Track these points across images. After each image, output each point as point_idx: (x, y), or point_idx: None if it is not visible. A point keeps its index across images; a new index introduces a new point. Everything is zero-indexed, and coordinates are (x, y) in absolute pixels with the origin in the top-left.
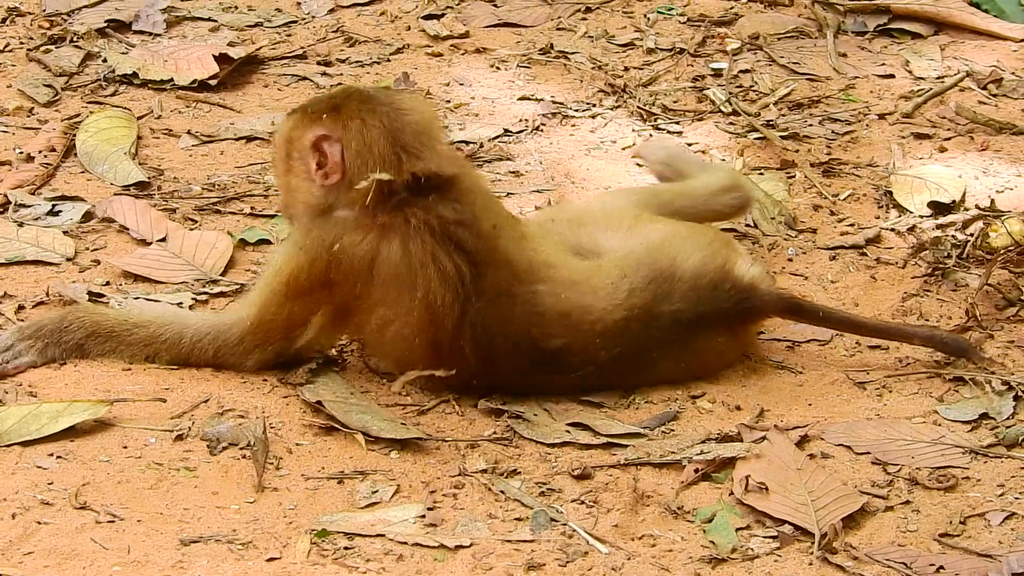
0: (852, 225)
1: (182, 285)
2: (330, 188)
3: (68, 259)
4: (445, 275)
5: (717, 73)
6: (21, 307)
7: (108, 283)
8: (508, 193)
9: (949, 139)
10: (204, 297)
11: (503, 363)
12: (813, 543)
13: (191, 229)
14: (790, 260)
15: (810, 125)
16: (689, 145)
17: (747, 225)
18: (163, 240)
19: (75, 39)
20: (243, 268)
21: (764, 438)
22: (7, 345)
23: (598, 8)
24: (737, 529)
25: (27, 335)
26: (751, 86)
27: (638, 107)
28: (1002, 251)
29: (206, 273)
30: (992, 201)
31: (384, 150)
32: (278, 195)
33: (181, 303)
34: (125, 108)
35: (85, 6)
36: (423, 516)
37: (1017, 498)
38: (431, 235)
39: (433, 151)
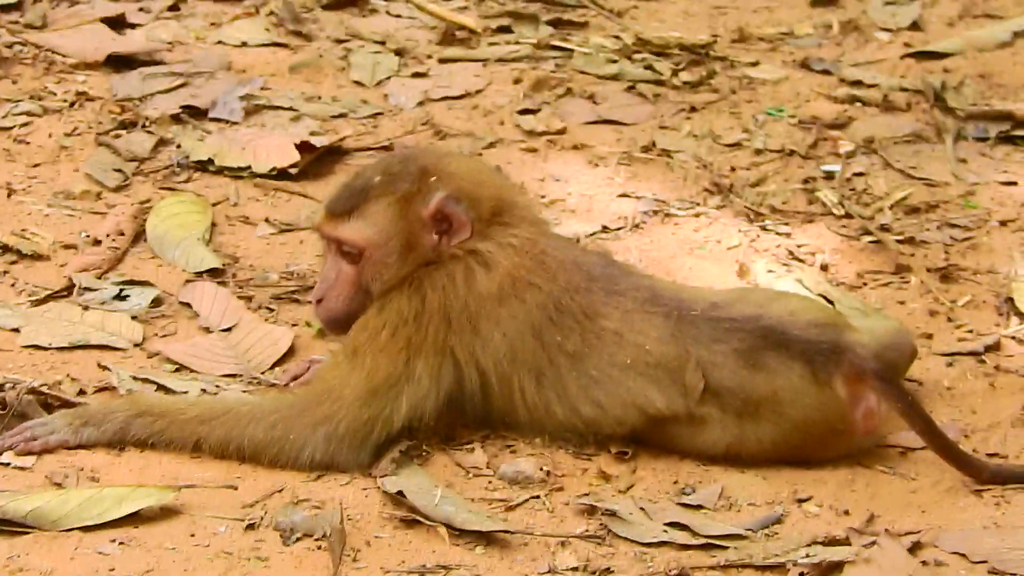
0: (970, 332)
1: (222, 379)
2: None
3: (135, 344)
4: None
5: (829, 176)
6: (82, 391)
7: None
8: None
9: None
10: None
11: None
12: None
13: (267, 320)
14: None
15: (927, 230)
16: (799, 247)
17: None
18: (229, 330)
19: (147, 124)
20: (301, 360)
21: (874, 543)
22: (45, 422)
23: (703, 108)
24: None
25: (69, 415)
26: (865, 189)
27: (745, 207)
28: None
29: (248, 369)
30: None
31: (491, 187)
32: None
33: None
34: (198, 195)
35: (159, 92)
36: None
37: None
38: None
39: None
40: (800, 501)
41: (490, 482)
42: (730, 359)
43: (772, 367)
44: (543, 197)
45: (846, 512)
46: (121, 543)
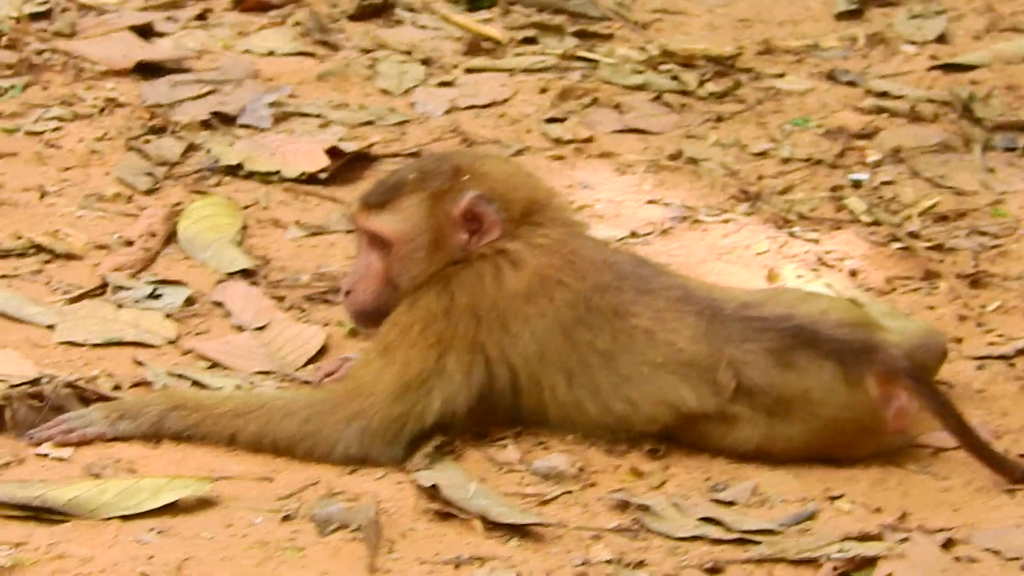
0: (1000, 336)
1: (256, 376)
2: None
3: (169, 342)
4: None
5: (856, 184)
6: (117, 387)
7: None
8: None
9: None
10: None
11: None
12: None
13: (298, 320)
14: None
15: (956, 237)
16: (827, 253)
17: None
18: (262, 329)
19: (177, 130)
20: (334, 358)
21: (907, 539)
22: (82, 415)
23: (730, 118)
24: None
25: (106, 408)
26: (893, 197)
27: (773, 214)
28: None
29: (281, 366)
30: None
31: (523, 188)
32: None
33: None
34: (229, 198)
35: (188, 98)
36: None
37: None
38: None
39: None
40: (832, 499)
41: (523, 477)
42: (761, 358)
43: (803, 366)
44: (571, 203)
45: (878, 510)
46: (159, 532)
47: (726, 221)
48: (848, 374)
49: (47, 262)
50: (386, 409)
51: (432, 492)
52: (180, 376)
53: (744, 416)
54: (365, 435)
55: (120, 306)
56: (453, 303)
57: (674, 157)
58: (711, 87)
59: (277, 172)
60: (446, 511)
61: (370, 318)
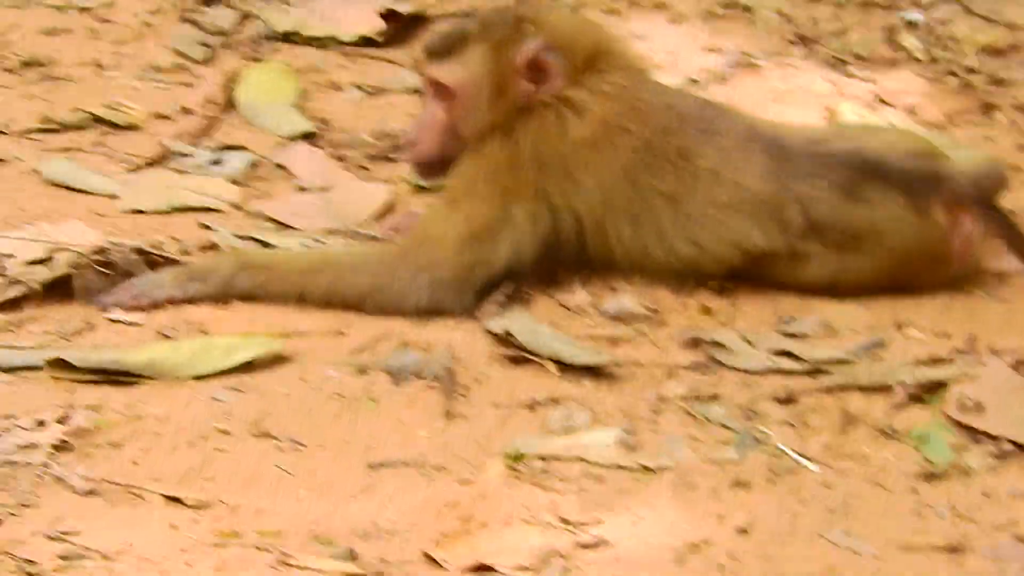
0: None
1: (323, 234)
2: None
3: (234, 206)
4: None
5: (911, 24)
6: (185, 252)
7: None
8: None
9: None
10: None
11: None
12: None
13: (362, 179)
14: None
15: (1011, 70)
16: (886, 92)
17: None
18: (326, 189)
19: (229, 1)
20: (401, 214)
21: (977, 362)
22: (152, 278)
23: None
24: (952, 447)
25: (175, 271)
26: (947, 35)
27: (829, 56)
28: None
29: (348, 224)
30: None
31: (587, 36)
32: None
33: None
34: (286, 63)
35: None
36: (622, 440)
37: None
38: None
39: None
40: (900, 327)
41: (594, 320)
42: (829, 193)
43: (871, 198)
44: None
45: (947, 335)
46: (235, 389)
47: (783, 65)
48: (916, 204)
49: (107, 133)
50: (455, 258)
51: (504, 338)
52: (247, 238)
53: (813, 252)
54: (435, 285)
55: (183, 172)
56: (518, 151)
57: (728, 5)
58: None
59: (333, 37)
60: (519, 356)
61: (433, 168)
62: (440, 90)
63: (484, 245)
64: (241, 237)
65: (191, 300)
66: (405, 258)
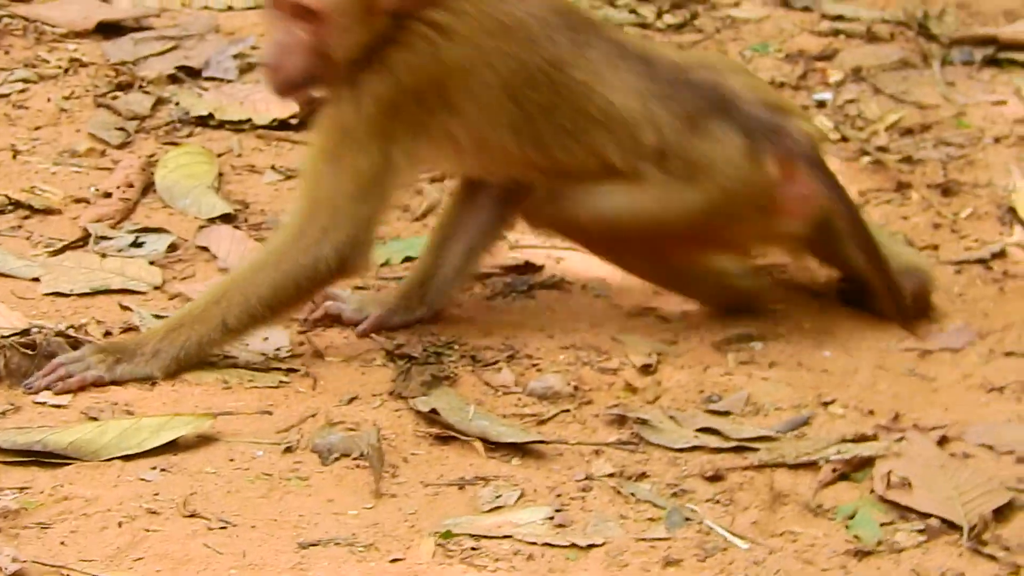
0: (976, 241)
1: None
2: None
3: (155, 287)
4: None
5: (821, 104)
6: (108, 333)
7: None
8: None
9: None
10: None
11: None
12: (961, 535)
13: None
14: None
15: (923, 149)
16: None
17: None
18: None
19: (144, 85)
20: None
21: (903, 438)
22: (78, 357)
23: (690, 47)
24: (881, 524)
25: (99, 349)
26: (858, 114)
27: None
28: None
29: None
30: None
31: None
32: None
33: None
34: (203, 147)
35: (151, 55)
36: (551, 518)
37: None
38: None
39: None
40: (825, 404)
41: (519, 399)
42: (679, 120)
43: (713, 134)
44: None
45: (871, 412)
46: (162, 470)
47: None
48: (752, 148)
49: (26, 217)
50: (351, 218)
51: (431, 416)
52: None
53: (651, 177)
54: (339, 247)
55: (104, 255)
56: (394, 85)
57: None
58: (669, 19)
59: (248, 120)
60: (446, 434)
61: (298, 91)
62: (300, 11)
63: (374, 196)
64: (162, 318)
65: (116, 381)
66: (302, 233)
